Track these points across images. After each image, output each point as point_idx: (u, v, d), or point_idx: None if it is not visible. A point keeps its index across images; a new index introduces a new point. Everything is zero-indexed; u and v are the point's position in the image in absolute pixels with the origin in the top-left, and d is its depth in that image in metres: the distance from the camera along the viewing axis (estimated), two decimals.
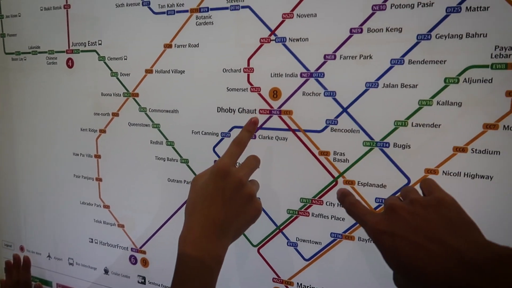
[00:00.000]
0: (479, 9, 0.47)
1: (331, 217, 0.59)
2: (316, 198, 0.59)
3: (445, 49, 0.49)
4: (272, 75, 0.59)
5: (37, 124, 0.83)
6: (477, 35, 0.47)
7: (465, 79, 0.49)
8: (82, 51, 0.74)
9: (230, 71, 0.62)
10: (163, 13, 0.65)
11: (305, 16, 0.56)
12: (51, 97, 0.79)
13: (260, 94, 0.60)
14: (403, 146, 0.53)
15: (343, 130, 0.56)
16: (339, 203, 0.58)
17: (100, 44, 0.72)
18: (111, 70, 0.72)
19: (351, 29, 0.53)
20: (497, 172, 0.49)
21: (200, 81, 0.64)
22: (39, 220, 0.87)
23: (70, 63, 0.76)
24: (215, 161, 0.65)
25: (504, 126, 0.48)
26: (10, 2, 0.80)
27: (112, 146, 0.75)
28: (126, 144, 0.73)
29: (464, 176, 0.51)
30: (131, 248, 0.77)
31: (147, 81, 0.69)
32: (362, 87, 0.54)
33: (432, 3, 0.49)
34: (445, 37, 0.49)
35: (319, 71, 0.56)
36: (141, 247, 0.76)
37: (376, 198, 0.56)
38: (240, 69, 0.61)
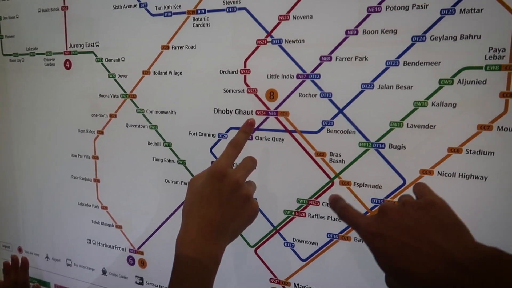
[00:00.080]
0: (473, 11, 0.47)
1: (328, 218, 0.59)
2: (312, 199, 0.60)
3: (439, 51, 0.49)
4: (269, 77, 0.59)
5: (35, 125, 0.83)
6: (471, 37, 0.48)
7: (459, 80, 0.49)
8: (80, 52, 0.74)
9: (227, 72, 0.62)
10: (160, 14, 0.65)
11: (301, 18, 0.56)
12: (49, 99, 0.80)
13: (256, 95, 0.61)
14: (399, 147, 0.53)
15: (339, 131, 0.56)
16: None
17: (98, 45, 0.72)
18: (108, 71, 0.72)
19: (346, 31, 0.54)
20: (491, 173, 0.49)
21: (197, 83, 0.65)
22: (37, 221, 0.87)
23: (67, 65, 0.76)
24: (212, 162, 0.65)
25: (498, 127, 0.48)
26: (8, 3, 0.80)
27: (110, 147, 0.75)
28: (124, 145, 0.73)
29: (459, 176, 0.51)
30: (129, 249, 0.77)
31: (144, 83, 0.69)
32: (358, 88, 0.54)
33: (427, 5, 0.49)
34: (440, 39, 0.49)
35: (315, 72, 0.56)
36: (139, 248, 0.76)
37: (372, 199, 0.56)
38: (237, 71, 0.61)
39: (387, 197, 0.55)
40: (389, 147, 0.54)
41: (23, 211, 0.89)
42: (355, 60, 0.54)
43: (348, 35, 0.54)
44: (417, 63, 0.51)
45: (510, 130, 0.48)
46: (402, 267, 0.32)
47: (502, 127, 0.48)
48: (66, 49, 0.75)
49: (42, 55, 0.78)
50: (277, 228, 0.63)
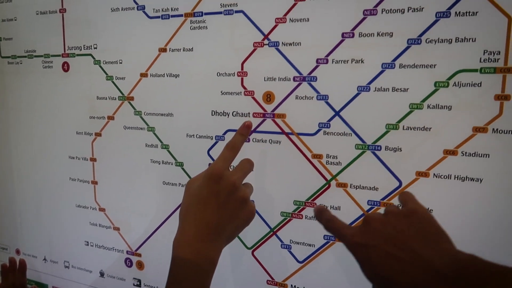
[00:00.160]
0: (468, 14, 0.48)
1: None
2: (309, 201, 0.60)
3: (435, 54, 0.50)
4: (266, 79, 0.59)
5: (33, 127, 0.83)
6: (466, 40, 0.48)
7: (454, 83, 0.49)
8: (78, 55, 0.74)
9: (224, 75, 0.62)
10: (158, 17, 0.66)
11: (297, 21, 0.56)
12: (47, 101, 0.80)
13: (253, 98, 0.61)
14: (395, 149, 0.54)
15: (335, 134, 0.57)
16: (331, 207, 0.58)
17: (96, 48, 0.72)
18: (106, 74, 0.72)
19: (343, 34, 0.54)
20: (486, 175, 0.50)
21: (194, 85, 0.65)
22: (35, 223, 0.87)
23: (65, 67, 0.76)
24: (209, 164, 0.65)
25: (493, 129, 0.49)
26: (6, 5, 0.80)
27: (107, 149, 0.75)
28: (122, 148, 0.73)
29: (455, 178, 0.51)
30: (127, 251, 0.77)
31: (142, 85, 0.69)
32: (354, 91, 0.55)
33: (422, 8, 0.50)
34: (435, 42, 0.50)
35: (312, 75, 0.57)
36: (136, 250, 0.76)
37: (368, 201, 0.56)
38: (234, 73, 0.61)
39: (383, 199, 0.55)
40: (385, 149, 0.54)
41: (21, 213, 0.89)
42: (352, 62, 0.54)
43: (345, 38, 0.54)
44: (412, 66, 0.51)
45: (505, 132, 0.48)
46: (386, 276, 0.33)
47: (497, 129, 0.48)
48: (64, 51, 0.75)
49: (40, 58, 0.78)
50: (274, 230, 0.63)
